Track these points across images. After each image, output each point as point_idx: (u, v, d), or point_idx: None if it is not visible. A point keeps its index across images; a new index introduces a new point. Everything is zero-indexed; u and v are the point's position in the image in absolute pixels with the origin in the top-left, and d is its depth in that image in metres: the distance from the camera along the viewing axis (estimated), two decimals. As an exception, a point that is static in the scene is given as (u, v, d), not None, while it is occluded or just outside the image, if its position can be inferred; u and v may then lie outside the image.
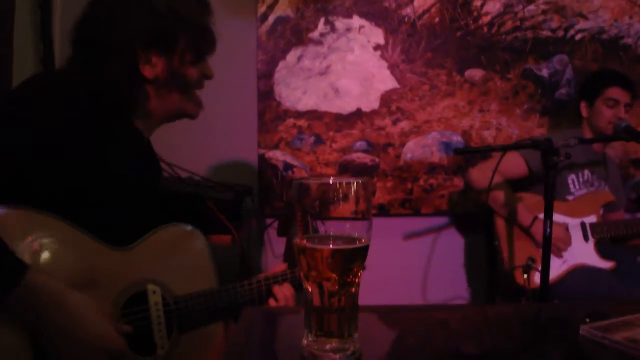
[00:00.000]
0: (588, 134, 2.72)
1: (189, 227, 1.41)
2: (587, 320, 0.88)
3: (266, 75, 2.98)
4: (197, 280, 1.37)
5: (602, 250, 2.55)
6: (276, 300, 1.46)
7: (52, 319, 1.06)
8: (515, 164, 2.57)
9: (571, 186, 2.65)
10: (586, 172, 2.68)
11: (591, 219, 2.58)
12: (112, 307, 1.21)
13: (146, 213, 1.35)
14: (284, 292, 1.47)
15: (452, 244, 3.17)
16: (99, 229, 1.21)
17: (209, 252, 1.42)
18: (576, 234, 2.55)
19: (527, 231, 2.53)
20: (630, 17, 3.10)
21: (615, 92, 2.64)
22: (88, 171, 1.20)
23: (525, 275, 2.40)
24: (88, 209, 1.20)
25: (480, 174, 2.62)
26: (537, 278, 2.47)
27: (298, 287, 1.51)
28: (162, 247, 1.34)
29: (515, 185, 2.65)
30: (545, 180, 1.95)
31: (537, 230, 2.49)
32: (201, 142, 2.79)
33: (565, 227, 2.53)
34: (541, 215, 2.48)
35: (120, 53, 1.28)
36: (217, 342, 1.38)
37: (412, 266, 3.11)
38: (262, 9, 2.96)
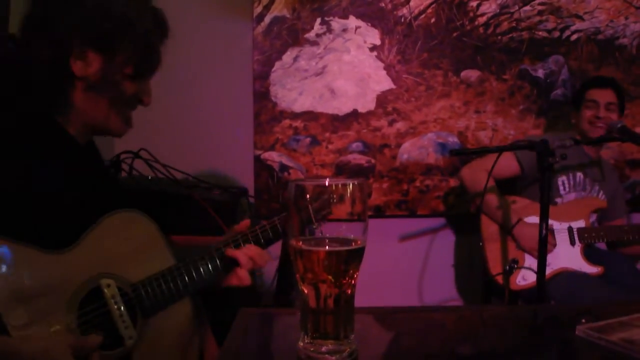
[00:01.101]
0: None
1: (130, 212, 1.33)
2: (583, 321, 0.88)
3: (262, 76, 2.97)
4: (152, 262, 1.32)
5: (590, 255, 2.55)
6: (240, 265, 1.38)
7: None
8: (507, 163, 2.57)
9: (561, 188, 2.66)
10: (579, 175, 2.68)
11: (579, 223, 2.57)
12: (66, 311, 1.18)
13: (92, 211, 1.29)
14: (246, 254, 1.39)
15: (448, 245, 3.18)
16: (36, 234, 1.17)
17: (157, 230, 1.35)
18: (562, 238, 2.55)
19: (510, 234, 2.53)
20: (626, 18, 3.11)
21: (593, 94, 2.67)
22: (12, 192, 1.17)
23: (505, 278, 2.42)
24: (19, 218, 1.17)
25: (471, 173, 2.63)
26: (518, 280, 2.48)
27: (264, 244, 1.43)
28: (109, 237, 1.28)
29: (505, 187, 2.65)
30: (541, 182, 1.95)
31: (519, 232, 2.50)
32: (197, 143, 2.79)
33: (550, 230, 2.52)
34: (528, 219, 2.51)
35: (55, 40, 1.25)
36: (186, 319, 1.35)
37: (408, 267, 3.12)
38: (258, 9, 2.96)
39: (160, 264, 1.34)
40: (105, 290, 1.24)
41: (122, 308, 1.25)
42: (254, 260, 1.40)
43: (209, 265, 1.38)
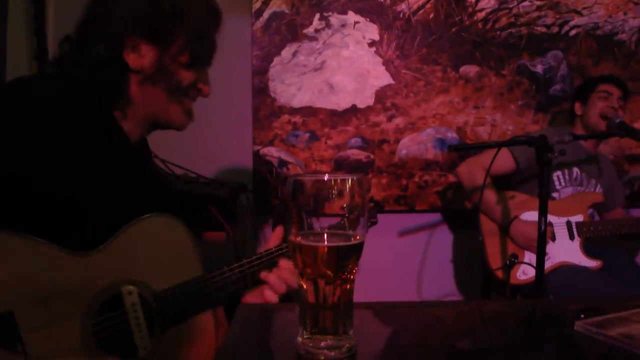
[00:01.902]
0: (581, 132, 2.72)
1: (163, 217, 1.28)
2: (582, 316, 0.88)
3: (261, 71, 2.97)
4: (180, 271, 1.28)
5: (589, 249, 2.56)
6: (271, 287, 1.34)
7: None
8: (502, 159, 2.57)
9: (556, 183, 2.66)
10: (575, 169, 2.68)
11: (577, 218, 2.58)
12: (83, 316, 1.15)
13: (126, 213, 1.26)
14: (279, 276, 1.34)
15: (447, 240, 3.18)
16: (64, 234, 1.15)
17: (191, 238, 1.31)
18: (561, 233, 2.56)
19: (506, 232, 2.53)
20: (625, 13, 3.11)
21: (607, 87, 2.69)
22: (56, 184, 1.16)
23: (506, 272, 2.43)
24: (53, 217, 1.15)
25: (467, 169, 2.63)
26: (519, 274, 2.49)
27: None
28: (136, 243, 1.24)
29: (501, 182, 2.66)
30: (540, 177, 1.95)
31: (515, 230, 2.50)
32: (196, 138, 2.79)
33: (548, 224, 2.53)
34: (526, 214, 2.51)
35: (107, 35, 1.25)
36: (207, 332, 1.30)
37: (406, 262, 3.12)
38: (257, 4, 2.95)
39: (186, 272, 1.29)
40: (126, 298, 1.21)
41: (140, 317, 1.22)
42: (287, 282, 1.35)
43: (239, 279, 1.33)
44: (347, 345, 0.75)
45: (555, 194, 2.65)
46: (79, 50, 1.27)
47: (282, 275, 1.35)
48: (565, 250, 2.52)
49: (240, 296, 1.38)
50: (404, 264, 3.11)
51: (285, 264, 1.37)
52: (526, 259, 2.47)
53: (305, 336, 0.76)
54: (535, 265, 1.99)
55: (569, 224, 2.56)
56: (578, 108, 2.77)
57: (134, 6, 1.27)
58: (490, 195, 2.57)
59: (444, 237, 3.17)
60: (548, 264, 2.45)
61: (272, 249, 1.39)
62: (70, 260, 1.16)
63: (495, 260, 2.54)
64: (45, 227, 1.12)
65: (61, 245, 1.15)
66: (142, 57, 1.27)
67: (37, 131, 1.15)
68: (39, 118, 1.17)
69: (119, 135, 1.32)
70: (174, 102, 1.34)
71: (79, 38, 1.29)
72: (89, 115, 1.25)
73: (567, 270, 2.48)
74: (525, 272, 2.48)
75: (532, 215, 2.46)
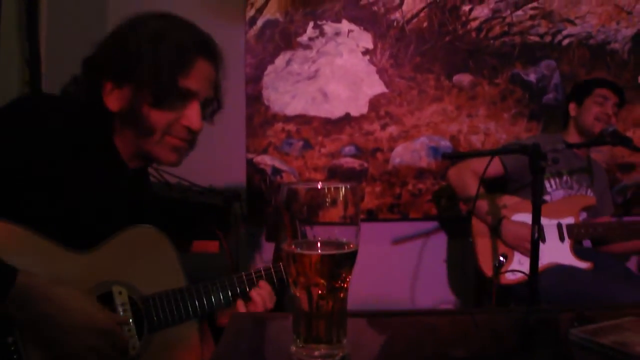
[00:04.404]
0: (574, 135, 2.73)
1: (152, 228, 1.37)
2: (576, 324, 0.88)
3: (254, 80, 2.97)
4: (164, 280, 1.35)
5: (579, 251, 2.56)
6: (252, 303, 1.41)
7: (44, 313, 1.10)
8: (491, 164, 2.58)
9: (548, 186, 2.66)
10: (565, 175, 2.69)
11: (568, 220, 2.59)
12: None
13: (115, 223, 1.34)
14: (259, 294, 1.42)
15: (440, 248, 3.18)
16: (62, 232, 1.22)
17: (175, 253, 1.39)
18: (551, 234, 2.56)
19: (495, 231, 2.54)
20: (618, 23, 3.13)
21: (604, 92, 2.68)
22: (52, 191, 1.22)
23: (496, 272, 2.43)
24: (51, 219, 1.22)
25: (457, 173, 2.64)
26: (508, 274, 2.49)
27: (277, 282, 1.46)
28: (127, 248, 1.32)
29: (492, 185, 2.66)
30: (533, 185, 1.95)
31: (504, 231, 2.50)
32: (189, 146, 2.78)
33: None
34: (517, 216, 2.52)
35: (91, 79, 1.31)
36: (192, 342, 1.36)
37: (400, 271, 3.12)
38: (250, 12, 2.96)
39: (171, 282, 1.36)
40: (116, 297, 1.26)
41: (129, 316, 1.27)
42: (264, 301, 1.42)
43: (221, 295, 1.39)
44: (341, 354, 0.75)
45: (547, 197, 2.66)
46: (79, 91, 1.34)
47: (262, 293, 1.43)
48: (556, 252, 2.53)
49: (216, 318, 1.46)
50: (397, 272, 3.11)
51: (264, 284, 1.45)
52: (515, 260, 2.48)
53: (299, 344, 0.76)
54: (524, 270, 1.99)
55: (559, 225, 2.57)
56: (572, 109, 2.76)
57: (108, 52, 1.30)
58: (483, 202, 2.57)
59: (437, 245, 3.17)
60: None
61: (251, 272, 1.46)
62: (66, 256, 1.22)
63: (485, 261, 2.54)
64: (44, 223, 1.19)
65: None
66: (117, 100, 1.30)
67: (37, 143, 1.22)
68: (41, 132, 1.23)
69: (115, 161, 1.37)
70: (152, 142, 1.33)
71: (80, 80, 1.35)
72: (94, 137, 1.32)
73: (558, 269, 2.48)
74: (515, 273, 2.48)
75: (523, 217, 2.47)
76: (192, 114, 1.34)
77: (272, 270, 1.47)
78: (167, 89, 1.28)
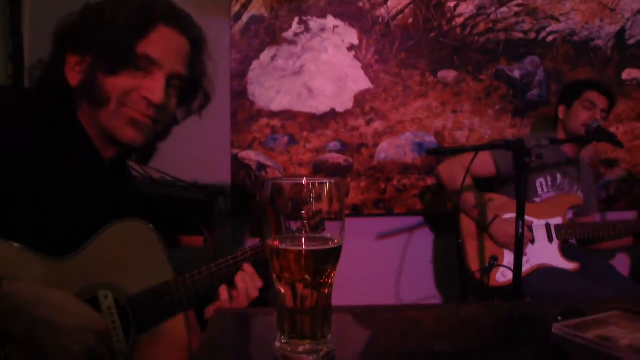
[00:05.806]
0: (562, 137, 2.74)
1: (132, 222, 1.30)
2: (560, 318, 0.88)
3: (239, 75, 2.96)
4: (151, 274, 1.30)
5: (567, 251, 2.58)
6: (233, 288, 1.39)
7: (37, 316, 1.03)
8: (483, 163, 2.59)
9: (539, 189, 2.68)
10: (558, 175, 2.70)
11: (556, 220, 2.61)
12: None
13: (97, 220, 1.26)
14: (243, 278, 1.39)
15: (425, 243, 3.19)
16: (37, 239, 1.14)
17: (160, 242, 1.33)
18: (540, 235, 2.58)
19: (486, 230, 2.55)
20: (601, 20, 3.15)
21: (593, 96, 2.67)
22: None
23: (486, 274, 2.44)
24: (25, 224, 1.14)
25: (448, 169, 2.64)
26: (498, 276, 2.51)
27: (261, 264, 1.43)
28: (110, 247, 1.25)
29: (484, 185, 2.67)
30: (517, 181, 1.96)
31: (495, 229, 2.52)
32: (173, 142, 2.75)
33: (528, 227, 2.55)
34: (506, 215, 2.53)
35: (55, 55, 1.25)
36: (180, 336, 1.33)
37: (385, 266, 3.12)
38: (235, 7, 2.94)
39: (157, 276, 1.32)
40: (102, 302, 1.22)
41: (117, 321, 1.23)
42: (248, 288, 1.39)
43: (210, 282, 1.37)
44: (326, 349, 0.75)
45: (537, 199, 2.67)
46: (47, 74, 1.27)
47: (246, 280, 1.40)
48: (544, 253, 2.55)
49: (205, 307, 1.43)
50: (382, 267, 3.11)
51: (248, 267, 1.42)
52: (506, 261, 2.49)
53: (283, 341, 0.75)
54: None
55: (548, 226, 2.59)
56: (561, 112, 2.76)
57: (72, 19, 1.24)
58: (470, 197, 2.58)
59: (422, 240, 3.18)
60: (527, 267, 2.48)
61: (237, 254, 1.44)
62: (46, 265, 1.15)
63: (475, 263, 2.55)
64: (15, 233, 1.11)
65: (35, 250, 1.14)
66: (77, 75, 1.23)
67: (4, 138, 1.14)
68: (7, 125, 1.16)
69: (88, 151, 1.29)
70: (108, 116, 1.23)
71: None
72: (65, 128, 1.25)
73: (545, 272, 2.51)
74: (504, 275, 2.50)
75: (511, 216, 2.48)
76: (152, 85, 1.23)
77: (259, 249, 1.44)
78: (122, 52, 1.20)
